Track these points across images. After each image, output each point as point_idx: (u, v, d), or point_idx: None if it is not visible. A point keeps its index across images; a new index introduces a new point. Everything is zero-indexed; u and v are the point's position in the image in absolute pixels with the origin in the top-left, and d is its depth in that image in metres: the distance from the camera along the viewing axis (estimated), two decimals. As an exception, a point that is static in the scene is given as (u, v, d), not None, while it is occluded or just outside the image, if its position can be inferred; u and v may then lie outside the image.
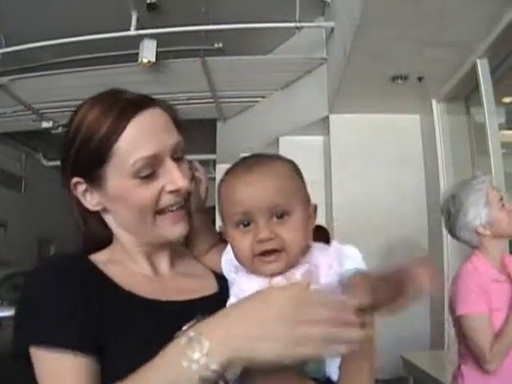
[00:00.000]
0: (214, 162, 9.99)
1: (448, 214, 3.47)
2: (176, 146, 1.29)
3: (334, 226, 6.80)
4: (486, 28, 4.84)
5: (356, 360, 1.14)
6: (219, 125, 9.80)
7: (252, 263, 1.19)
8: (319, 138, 8.10)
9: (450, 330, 5.50)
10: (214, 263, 1.40)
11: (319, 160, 8.03)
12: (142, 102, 1.28)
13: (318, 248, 1.29)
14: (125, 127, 1.22)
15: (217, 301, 1.21)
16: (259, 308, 0.99)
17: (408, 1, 4.47)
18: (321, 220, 7.84)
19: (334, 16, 6.54)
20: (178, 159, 1.30)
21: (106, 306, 1.19)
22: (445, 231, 6.18)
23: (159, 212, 1.28)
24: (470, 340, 3.09)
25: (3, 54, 7.02)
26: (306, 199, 1.31)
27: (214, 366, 0.95)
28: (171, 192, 1.26)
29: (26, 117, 9.08)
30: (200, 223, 1.43)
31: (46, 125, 9.24)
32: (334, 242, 1.32)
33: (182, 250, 1.46)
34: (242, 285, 1.22)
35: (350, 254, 1.27)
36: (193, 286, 1.35)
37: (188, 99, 8.24)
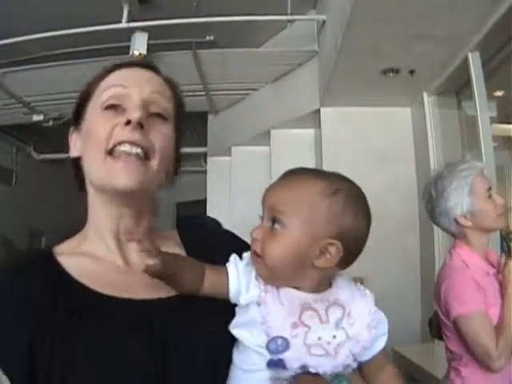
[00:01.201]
0: (205, 155, 9.97)
1: (429, 196, 3.37)
2: (153, 101, 1.29)
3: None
4: (477, 21, 4.84)
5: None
6: (210, 118, 9.77)
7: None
8: (310, 131, 8.09)
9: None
10: (217, 288, 1.30)
11: (310, 153, 8.02)
12: (145, 64, 1.30)
13: (349, 288, 1.28)
14: (114, 71, 1.25)
15: (181, 302, 1.22)
16: None
17: (398, -6, 4.45)
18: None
19: (325, 9, 6.54)
20: (153, 117, 1.29)
21: (57, 306, 1.16)
22: (435, 228, 6.24)
23: (111, 153, 1.24)
24: (472, 341, 2.95)
25: (-7, 48, 6.99)
26: (322, 229, 1.26)
27: None
28: (124, 125, 1.23)
29: (16, 110, 9.04)
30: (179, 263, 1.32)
31: (36, 118, 9.18)
32: (368, 292, 1.31)
33: (161, 232, 1.44)
34: (271, 313, 1.16)
35: (382, 328, 1.27)
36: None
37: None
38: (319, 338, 1.13)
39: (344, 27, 5.14)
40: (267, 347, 1.11)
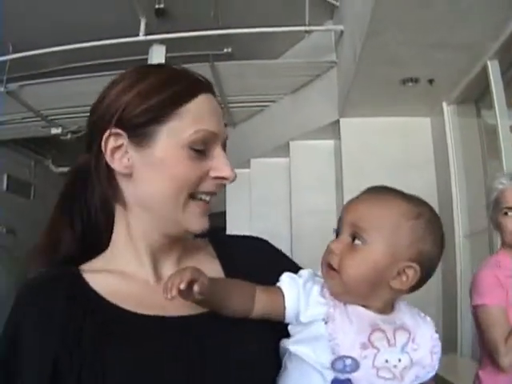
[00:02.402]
0: (224, 168, 9.99)
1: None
2: (226, 137, 1.29)
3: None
4: (496, 29, 4.82)
5: None
6: (229, 130, 9.69)
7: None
8: (330, 142, 8.07)
9: (463, 332, 5.53)
10: (270, 309, 1.25)
11: (330, 164, 8.00)
12: (211, 85, 1.27)
13: (411, 313, 1.27)
14: (195, 97, 1.19)
15: (214, 318, 1.17)
16: None
17: (417, 4, 4.45)
18: (332, 222, 7.81)
19: (342, 19, 6.54)
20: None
21: (84, 323, 1.14)
22: (457, 235, 6.19)
23: (192, 196, 1.23)
24: (483, 333, 3.05)
25: (12, 60, 7.03)
26: (403, 251, 1.25)
27: None
28: (216, 178, 1.24)
29: (34, 123, 9.07)
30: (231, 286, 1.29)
31: (55, 131, 9.21)
32: (428, 319, 1.30)
33: (193, 242, 1.41)
34: (339, 331, 1.13)
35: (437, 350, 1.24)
36: None
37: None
38: (386, 361, 1.11)
39: (363, 37, 5.13)
40: (333, 365, 1.08)
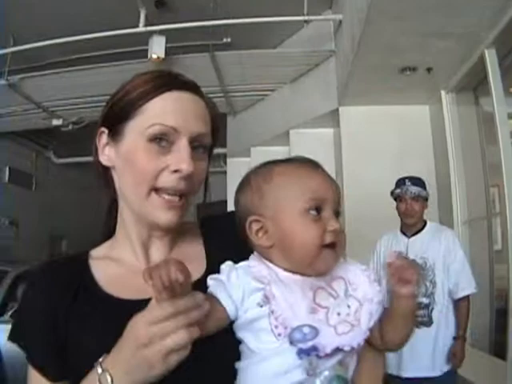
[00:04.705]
0: (225, 156, 10.03)
1: None
2: (199, 135, 1.29)
3: (345, 218, 6.86)
4: (493, 18, 4.86)
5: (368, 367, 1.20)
6: (229, 119, 9.83)
7: (316, 256, 1.14)
8: (329, 131, 8.15)
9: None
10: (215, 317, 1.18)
11: (330, 152, 8.06)
12: (187, 84, 1.31)
13: (349, 262, 1.27)
14: (158, 95, 1.25)
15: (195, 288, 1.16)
16: (129, 339, 1.06)
17: (415, -7, 4.49)
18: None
19: (341, 8, 6.57)
20: (196, 149, 1.30)
21: (81, 313, 1.26)
22: (456, 220, 6.27)
23: (156, 190, 1.27)
24: None
25: (13, 53, 7.07)
26: None
27: None
28: (173, 172, 1.25)
29: (36, 115, 9.14)
30: None
31: (56, 122, 9.28)
32: (347, 258, 1.28)
33: (187, 228, 1.45)
34: (283, 304, 1.12)
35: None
36: None
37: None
38: (338, 314, 1.13)
39: (361, 26, 5.18)
40: (291, 338, 1.08)
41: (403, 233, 4.39)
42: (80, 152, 12.46)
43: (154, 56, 6.75)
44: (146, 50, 6.86)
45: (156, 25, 6.70)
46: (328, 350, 1.07)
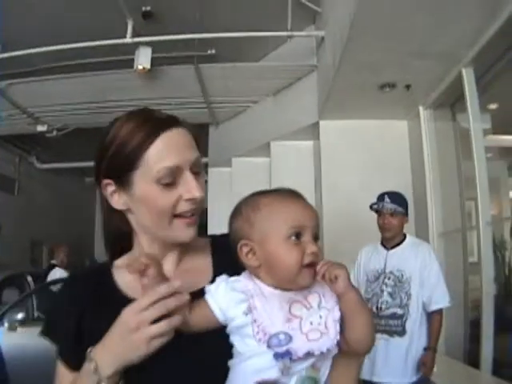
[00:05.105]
0: (206, 166, 10.13)
1: None
2: (195, 160, 1.48)
3: (323, 229, 7.01)
4: (471, 39, 5.03)
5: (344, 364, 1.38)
6: (211, 129, 9.95)
7: (297, 274, 1.31)
8: (309, 143, 8.30)
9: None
10: (204, 320, 1.43)
11: (310, 164, 8.24)
12: (169, 121, 1.49)
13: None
14: (153, 141, 1.43)
15: (198, 297, 1.39)
16: (120, 326, 1.30)
17: (396, 13, 4.63)
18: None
19: (324, 25, 6.71)
20: (196, 173, 1.49)
21: (101, 310, 1.46)
22: (431, 234, 6.41)
23: (175, 216, 1.46)
24: None
25: (1, 59, 7.13)
26: None
27: (105, 378, 1.29)
28: (187, 200, 1.45)
29: (21, 120, 9.22)
30: None
31: (40, 128, 9.35)
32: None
33: (198, 243, 1.63)
34: (263, 315, 1.31)
35: None
36: (188, 282, 1.45)
37: (180, 104, 8.42)
38: (311, 323, 1.29)
39: (343, 43, 5.33)
40: (269, 343, 1.26)
41: (383, 245, 4.52)
42: (63, 158, 12.55)
43: (140, 67, 6.87)
44: (132, 60, 6.99)
45: (143, 36, 6.82)
46: (300, 354, 1.24)
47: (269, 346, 1.26)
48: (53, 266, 8.65)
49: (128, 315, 1.28)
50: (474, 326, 5.77)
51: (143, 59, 6.87)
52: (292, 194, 1.41)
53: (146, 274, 1.28)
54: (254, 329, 1.29)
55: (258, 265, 1.35)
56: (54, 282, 7.81)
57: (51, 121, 9.29)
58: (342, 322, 1.30)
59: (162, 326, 1.26)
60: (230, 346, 1.37)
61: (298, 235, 1.32)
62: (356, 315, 1.29)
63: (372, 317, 1.33)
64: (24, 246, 11.77)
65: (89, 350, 1.33)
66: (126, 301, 1.35)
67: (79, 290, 1.55)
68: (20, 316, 6.48)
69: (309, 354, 1.24)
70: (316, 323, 1.28)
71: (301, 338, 1.26)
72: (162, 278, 1.31)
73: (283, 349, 1.24)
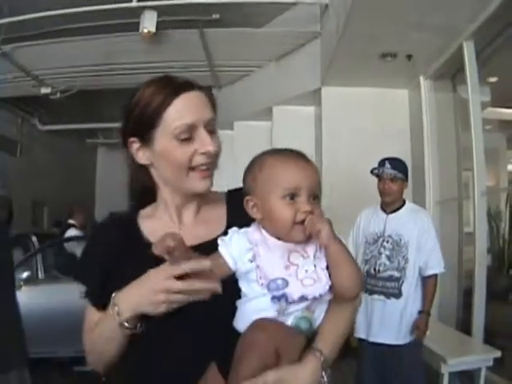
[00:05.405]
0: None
1: None
2: (209, 120, 1.63)
3: (323, 190, 7.12)
4: (472, 13, 5.09)
5: (336, 310, 1.54)
6: (214, 92, 9.96)
7: (290, 229, 1.46)
8: (311, 109, 8.43)
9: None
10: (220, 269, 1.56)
11: (311, 129, 8.39)
12: (187, 85, 1.64)
13: None
14: (172, 101, 1.59)
15: (213, 245, 1.54)
16: (143, 283, 1.46)
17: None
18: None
19: (328, -8, 6.73)
20: (210, 131, 1.63)
21: (127, 254, 1.63)
22: (427, 202, 6.52)
23: (191, 168, 1.62)
24: None
25: (6, 23, 7.18)
26: None
27: (125, 321, 1.48)
28: (202, 154, 1.60)
29: (25, 83, 9.30)
30: None
31: (44, 90, 9.44)
32: None
33: (215, 196, 1.81)
34: (265, 262, 1.47)
35: None
36: (205, 231, 1.66)
37: (184, 67, 8.49)
38: (306, 271, 1.45)
39: (346, 11, 5.39)
40: (268, 287, 1.42)
41: (383, 209, 4.60)
42: (65, 120, 12.61)
43: (145, 30, 6.92)
44: (137, 23, 7.05)
45: (148, 0, 6.88)
46: (295, 298, 1.40)
47: (268, 290, 1.42)
48: (69, 226, 8.81)
49: (157, 278, 1.43)
50: (467, 295, 5.88)
51: (148, 23, 6.93)
52: (295, 156, 1.54)
53: (172, 254, 1.40)
54: (258, 274, 1.45)
55: (261, 218, 1.50)
56: (66, 239, 8.00)
57: (55, 83, 9.37)
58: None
59: (184, 298, 1.42)
60: (238, 295, 1.53)
61: (292, 196, 1.46)
62: (340, 265, 1.43)
63: (356, 266, 1.47)
64: (25, 207, 11.83)
65: (113, 295, 1.50)
66: (148, 246, 1.48)
67: (107, 236, 1.71)
68: (25, 275, 6.64)
69: (303, 298, 1.41)
70: (311, 271, 1.44)
71: (296, 283, 1.42)
72: (188, 254, 1.43)
73: (280, 292, 1.41)
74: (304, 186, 1.47)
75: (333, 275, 1.43)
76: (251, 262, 1.47)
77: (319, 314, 1.50)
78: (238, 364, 1.35)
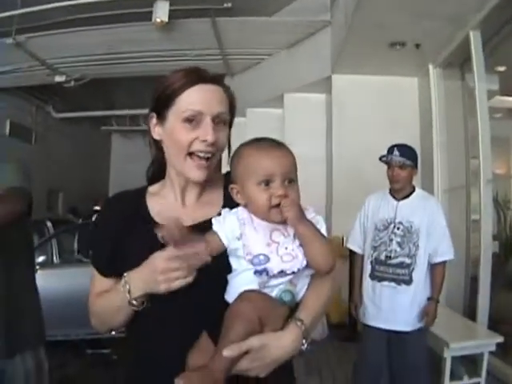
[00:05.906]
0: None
1: None
2: (218, 113, 1.74)
3: (333, 179, 7.26)
4: (479, 3, 5.15)
5: (318, 283, 1.69)
6: (227, 80, 10.02)
7: (267, 212, 1.60)
8: (322, 96, 8.52)
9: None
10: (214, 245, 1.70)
11: (321, 116, 8.50)
12: (209, 78, 1.77)
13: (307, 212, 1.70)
14: (189, 87, 1.72)
15: (209, 224, 1.68)
16: (150, 265, 1.60)
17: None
18: (322, 169, 8.29)
19: (339, -18, 6.80)
20: (218, 124, 1.74)
21: (132, 228, 1.77)
22: (436, 189, 6.58)
23: (190, 154, 1.74)
24: None
25: (20, 14, 7.30)
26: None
27: (134, 298, 1.64)
28: (202, 141, 1.71)
29: (40, 71, 9.41)
30: None
31: (59, 79, 9.59)
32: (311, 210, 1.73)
33: (215, 178, 1.91)
34: (250, 239, 1.62)
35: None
36: (204, 212, 1.78)
37: (196, 56, 8.61)
38: (286, 248, 1.60)
39: (355, 1, 5.47)
40: (252, 262, 1.56)
41: (393, 196, 4.61)
42: (79, 108, 12.72)
43: (158, 20, 7.02)
44: (150, 12, 7.14)
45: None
46: (275, 272, 1.55)
47: (252, 265, 1.56)
48: (95, 212, 9.04)
49: (158, 260, 1.58)
50: (474, 282, 5.93)
51: (161, 12, 7.04)
52: (268, 145, 1.67)
53: (179, 245, 1.55)
54: (244, 250, 1.59)
55: (244, 203, 1.66)
56: (72, 227, 8.11)
57: (69, 72, 9.51)
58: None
59: (183, 277, 1.58)
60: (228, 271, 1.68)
61: (267, 182, 1.59)
62: (309, 243, 1.57)
63: (325, 243, 1.61)
64: (41, 194, 11.97)
65: (124, 275, 1.66)
66: (153, 225, 1.63)
67: (116, 210, 1.87)
68: (41, 259, 6.79)
69: (282, 273, 1.56)
70: (290, 249, 1.59)
71: (276, 259, 1.57)
72: (188, 236, 1.57)
73: (262, 267, 1.56)
74: (277, 172, 1.60)
75: (305, 252, 1.57)
76: (239, 239, 1.62)
77: (301, 288, 1.66)
78: (226, 331, 1.48)
